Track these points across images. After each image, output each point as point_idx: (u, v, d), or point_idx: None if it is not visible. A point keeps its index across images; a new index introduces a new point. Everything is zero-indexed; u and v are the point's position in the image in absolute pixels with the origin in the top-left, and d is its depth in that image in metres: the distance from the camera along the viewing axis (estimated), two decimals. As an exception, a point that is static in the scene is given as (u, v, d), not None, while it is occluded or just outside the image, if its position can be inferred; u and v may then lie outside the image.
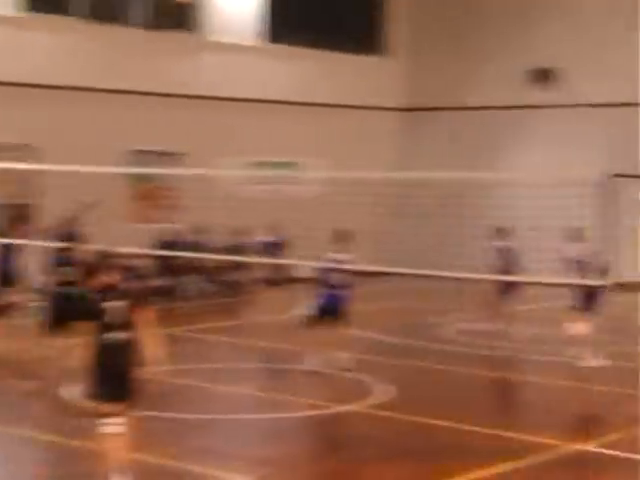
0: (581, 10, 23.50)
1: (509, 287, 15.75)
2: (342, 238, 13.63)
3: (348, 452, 9.88)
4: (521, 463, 9.38)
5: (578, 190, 11.17)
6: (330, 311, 13.49)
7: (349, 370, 13.42)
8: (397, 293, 23.06)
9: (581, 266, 13.61)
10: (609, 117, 21.93)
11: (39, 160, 19.06)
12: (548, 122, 23.62)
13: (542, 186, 13.88)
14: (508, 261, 15.51)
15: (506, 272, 15.16)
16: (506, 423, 10.95)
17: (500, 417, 11.35)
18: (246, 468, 9.46)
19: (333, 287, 13.52)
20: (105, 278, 8.23)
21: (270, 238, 18.31)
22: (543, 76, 23.88)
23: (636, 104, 21.78)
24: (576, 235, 14.06)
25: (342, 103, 24.41)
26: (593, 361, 13.96)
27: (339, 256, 13.40)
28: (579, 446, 10.04)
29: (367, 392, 12.31)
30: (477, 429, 10.60)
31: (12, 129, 19.41)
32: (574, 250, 13.88)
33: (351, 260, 13.41)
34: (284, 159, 23.19)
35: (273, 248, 17.79)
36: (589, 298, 13.67)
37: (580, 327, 14.05)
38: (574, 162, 20.15)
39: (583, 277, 13.32)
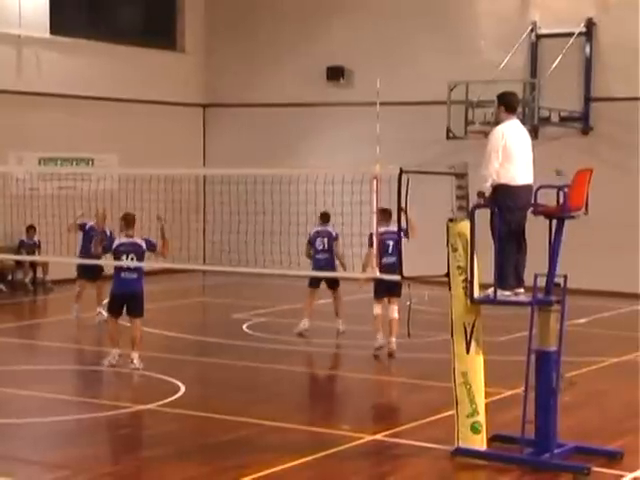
0: (375, 10, 24.01)
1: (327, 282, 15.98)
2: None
3: (144, 451, 9.78)
4: (314, 456, 9.50)
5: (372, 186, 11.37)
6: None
7: (138, 369, 13.30)
8: (200, 290, 23.04)
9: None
10: (399, 115, 22.51)
11: None
12: (344, 119, 24.03)
13: (339, 182, 14.08)
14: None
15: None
16: (301, 417, 11.07)
17: (296, 411, 11.46)
18: (37, 472, 9.21)
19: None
20: None
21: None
22: (336, 74, 24.29)
23: (427, 103, 22.50)
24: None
25: (138, 98, 24.06)
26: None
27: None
28: (372, 437, 10.26)
29: (163, 390, 12.19)
30: (271, 424, 10.66)
31: None
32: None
33: None
34: (77, 155, 22.65)
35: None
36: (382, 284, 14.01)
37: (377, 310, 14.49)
38: (366, 159, 20.59)
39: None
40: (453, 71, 21.80)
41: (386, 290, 14.25)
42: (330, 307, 16.25)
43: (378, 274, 11.46)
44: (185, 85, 25.60)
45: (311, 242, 16.23)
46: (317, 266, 16.03)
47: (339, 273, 16.52)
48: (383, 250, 13.98)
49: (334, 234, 16.17)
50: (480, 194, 9.46)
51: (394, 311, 14.42)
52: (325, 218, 16.37)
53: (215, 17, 25.92)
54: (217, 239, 17.65)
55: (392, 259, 13.57)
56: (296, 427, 10.58)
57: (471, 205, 9.44)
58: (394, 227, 12.11)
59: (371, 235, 12.93)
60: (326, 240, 16.14)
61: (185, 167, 22.56)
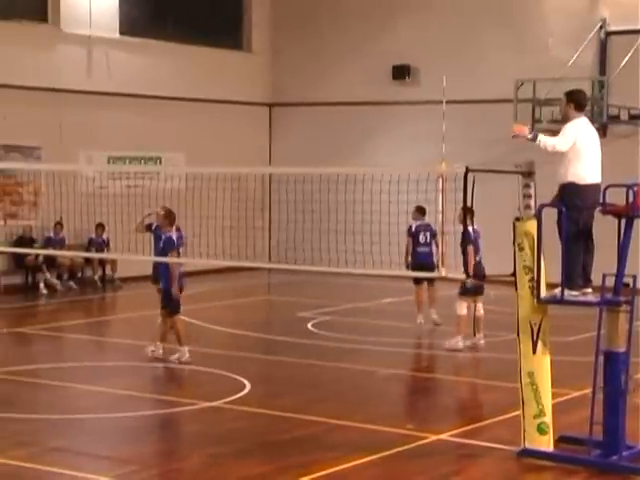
0: (440, 8, 23.91)
1: None
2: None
3: (209, 448, 9.83)
4: (378, 455, 9.48)
5: (437, 185, 11.37)
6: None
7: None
8: (265, 288, 23.15)
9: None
10: (464, 113, 22.37)
11: None
12: (409, 118, 23.97)
13: (405, 181, 14.05)
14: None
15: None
16: (367, 416, 11.06)
17: (360, 410, 11.45)
18: (105, 467, 9.34)
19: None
20: None
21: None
22: (402, 73, 24.22)
23: (493, 101, 22.35)
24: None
25: (205, 98, 24.25)
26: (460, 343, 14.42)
27: None
28: (437, 436, 10.22)
29: (228, 388, 12.27)
30: (335, 422, 10.68)
31: None
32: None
33: None
34: (145, 154, 22.90)
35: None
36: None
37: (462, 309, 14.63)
38: (431, 157, 20.51)
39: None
40: (520, 69, 21.62)
41: (475, 289, 14.37)
42: (396, 306, 16.26)
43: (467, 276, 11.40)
44: (252, 84, 25.75)
45: (413, 235, 16.41)
46: (418, 259, 16.31)
47: (407, 272, 16.45)
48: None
49: (434, 228, 16.30)
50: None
51: (480, 308, 14.65)
52: (422, 212, 16.56)
53: (281, 16, 26.03)
54: (282, 238, 17.75)
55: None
56: (360, 425, 10.58)
57: (538, 204, 9.36)
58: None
59: (465, 233, 13.13)
60: (428, 234, 16.36)
61: (251, 166, 22.71)
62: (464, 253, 11.44)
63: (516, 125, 9.54)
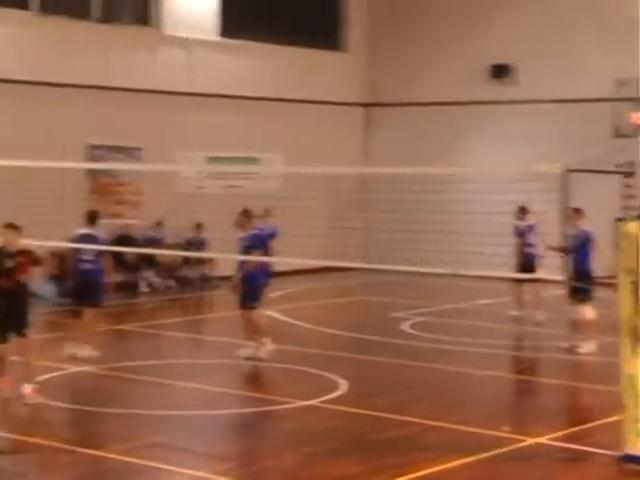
0: (534, 6, 23.64)
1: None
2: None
3: (305, 447, 9.89)
4: (474, 457, 9.43)
5: (538, 185, 11.26)
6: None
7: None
8: (360, 288, 23.19)
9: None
10: (563, 112, 22.08)
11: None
12: (505, 118, 23.76)
13: (501, 181, 13.96)
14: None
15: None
16: (462, 417, 11.00)
17: (455, 411, 11.39)
18: (204, 463, 9.47)
19: None
20: None
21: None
22: (500, 72, 24.02)
23: (592, 100, 22.00)
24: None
25: (301, 98, 24.41)
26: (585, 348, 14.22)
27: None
28: (534, 439, 10.11)
29: (323, 386, 12.34)
30: (430, 423, 10.65)
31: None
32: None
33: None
34: (243, 154, 23.14)
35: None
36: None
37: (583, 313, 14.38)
38: (529, 157, 20.32)
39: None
40: (620, 67, 21.23)
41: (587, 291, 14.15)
42: (493, 307, 16.14)
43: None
44: (348, 85, 25.82)
45: (521, 235, 16.48)
46: (527, 259, 16.26)
47: (506, 274, 16.34)
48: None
49: (538, 228, 16.32)
50: None
51: (589, 310, 14.34)
52: (526, 212, 16.63)
53: (378, 17, 26.03)
54: (379, 237, 17.78)
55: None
56: (455, 427, 10.53)
57: (640, 205, 9.20)
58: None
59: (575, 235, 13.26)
60: (533, 234, 16.42)
61: (347, 166, 22.77)
62: (566, 253, 11.32)
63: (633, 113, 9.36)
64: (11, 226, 11.37)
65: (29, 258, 11.46)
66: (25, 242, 11.58)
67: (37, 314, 18.88)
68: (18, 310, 11.49)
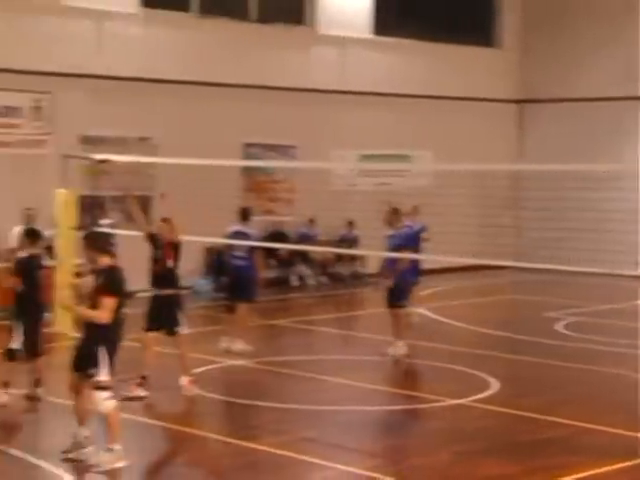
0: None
1: None
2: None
3: (455, 445, 9.91)
4: (629, 462, 9.25)
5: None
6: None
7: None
8: (510, 286, 22.96)
9: None
10: None
11: (156, 153, 19.52)
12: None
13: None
14: None
15: None
16: (616, 420, 10.79)
17: (608, 414, 11.18)
18: (355, 459, 9.60)
19: None
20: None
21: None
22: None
23: None
24: None
25: (453, 95, 24.31)
26: None
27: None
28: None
29: (474, 385, 12.31)
30: (583, 425, 10.50)
31: (133, 123, 19.91)
32: None
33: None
34: (394, 151, 23.20)
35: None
36: None
37: None
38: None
39: None
40: None
41: None
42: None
43: None
44: (500, 81, 25.57)
45: None
46: None
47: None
48: None
49: None
50: None
51: None
52: None
53: (532, 13, 25.67)
54: (530, 235, 17.57)
55: None
56: (609, 430, 10.35)
57: None
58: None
59: None
60: None
61: (498, 163, 22.54)
62: None
63: None
64: (165, 220, 12.14)
65: (174, 248, 11.97)
66: (176, 235, 12.02)
67: (194, 308, 19.52)
68: (169, 308, 11.96)
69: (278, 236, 21.41)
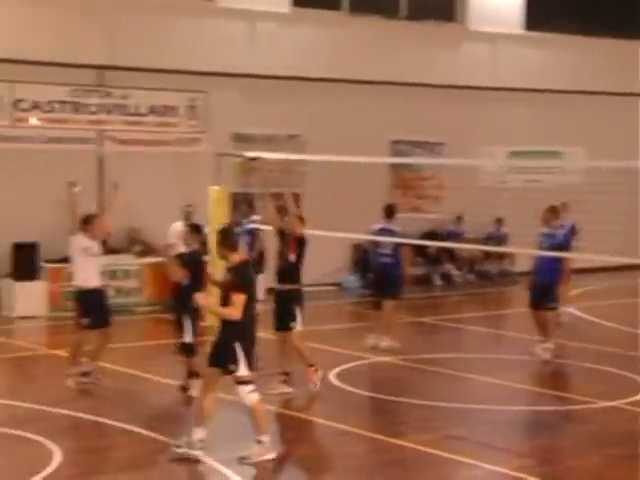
0: None
1: None
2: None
3: (607, 448, 9.71)
4: None
5: None
6: None
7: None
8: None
9: None
10: None
11: (305, 151, 19.79)
12: None
13: None
14: None
15: None
16: None
17: None
18: (502, 459, 9.52)
19: None
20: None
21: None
22: None
23: None
24: None
25: (605, 90, 23.74)
26: None
27: None
28: None
29: (624, 388, 12.04)
30: None
31: (283, 121, 20.22)
32: None
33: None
34: (544, 148, 22.84)
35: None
36: None
37: None
38: None
39: None
40: None
41: None
42: None
43: None
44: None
45: None
46: None
47: None
48: None
49: None
50: None
51: None
52: None
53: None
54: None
55: None
56: None
57: None
58: None
59: None
60: None
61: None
62: None
63: None
64: (295, 217, 12.13)
65: (299, 244, 11.93)
66: (302, 231, 12.01)
67: (342, 305, 19.68)
68: (287, 303, 11.92)
69: (431, 235, 21.31)
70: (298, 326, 11.89)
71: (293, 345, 11.95)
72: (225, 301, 9.16)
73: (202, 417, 9.30)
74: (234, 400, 9.53)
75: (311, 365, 11.93)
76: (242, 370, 9.16)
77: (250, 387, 9.25)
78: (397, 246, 14.50)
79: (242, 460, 9.17)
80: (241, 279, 9.16)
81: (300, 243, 11.98)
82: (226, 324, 9.21)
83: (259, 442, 9.25)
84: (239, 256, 9.34)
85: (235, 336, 9.15)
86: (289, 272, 11.97)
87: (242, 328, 9.16)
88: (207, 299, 9.55)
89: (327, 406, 11.51)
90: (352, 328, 16.85)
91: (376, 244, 14.72)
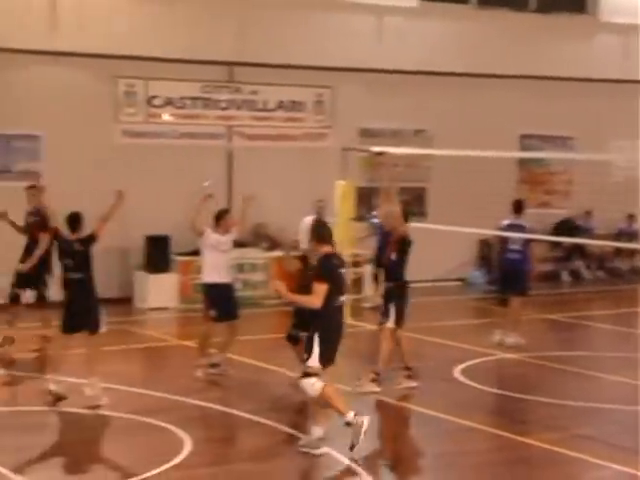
0: None
1: None
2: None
3: None
4: None
5: None
6: None
7: None
8: None
9: None
10: None
11: (431, 145, 19.72)
12: None
13: None
14: None
15: None
16: None
17: None
18: (632, 460, 9.31)
19: None
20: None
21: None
22: None
23: None
24: None
25: None
26: None
27: None
28: None
29: None
30: None
31: (409, 116, 20.20)
32: None
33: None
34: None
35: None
36: None
37: None
38: None
39: None
40: None
41: None
42: None
43: None
44: None
45: None
46: None
47: None
48: None
49: None
50: None
51: None
52: None
53: None
54: None
55: None
56: None
57: None
58: None
59: None
60: None
61: None
62: None
63: None
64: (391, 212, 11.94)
65: (399, 242, 11.71)
66: (402, 229, 11.81)
67: (466, 300, 19.56)
68: (384, 300, 11.83)
69: (562, 229, 20.90)
70: (389, 323, 11.71)
71: (380, 340, 11.77)
72: (309, 290, 9.30)
73: (316, 414, 9.42)
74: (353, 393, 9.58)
75: (377, 373, 11.54)
76: (313, 361, 9.21)
77: (313, 380, 9.19)
78: (526, 242, 14.33)
79: (351, 450, 9.11)
80: (322, 269, 9.27)
81: (402, 243, 11.78)
82: (311, 315, 9.32)
83: (348, 424, 9.17)
84: (327, 248, 9.45)
85: (316, 327, 9.24)
86: (390, 270, 11.86)
87: (322, 319, 9.24)
88: (283, 287, 9.58)
89: (452, 402, 11.47)
90: (477, 324, 16.75)
91: (504, 240, 14.58)
